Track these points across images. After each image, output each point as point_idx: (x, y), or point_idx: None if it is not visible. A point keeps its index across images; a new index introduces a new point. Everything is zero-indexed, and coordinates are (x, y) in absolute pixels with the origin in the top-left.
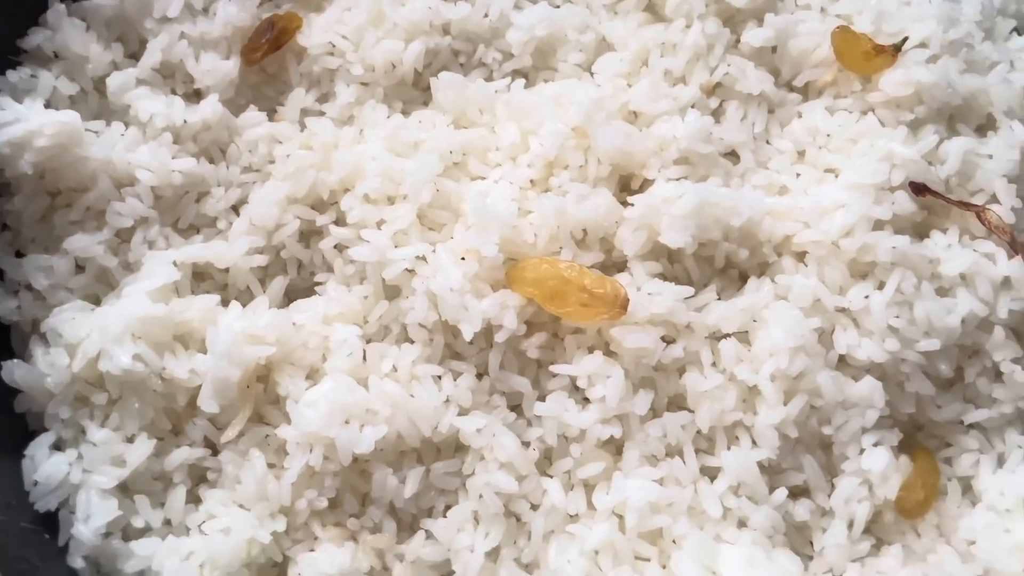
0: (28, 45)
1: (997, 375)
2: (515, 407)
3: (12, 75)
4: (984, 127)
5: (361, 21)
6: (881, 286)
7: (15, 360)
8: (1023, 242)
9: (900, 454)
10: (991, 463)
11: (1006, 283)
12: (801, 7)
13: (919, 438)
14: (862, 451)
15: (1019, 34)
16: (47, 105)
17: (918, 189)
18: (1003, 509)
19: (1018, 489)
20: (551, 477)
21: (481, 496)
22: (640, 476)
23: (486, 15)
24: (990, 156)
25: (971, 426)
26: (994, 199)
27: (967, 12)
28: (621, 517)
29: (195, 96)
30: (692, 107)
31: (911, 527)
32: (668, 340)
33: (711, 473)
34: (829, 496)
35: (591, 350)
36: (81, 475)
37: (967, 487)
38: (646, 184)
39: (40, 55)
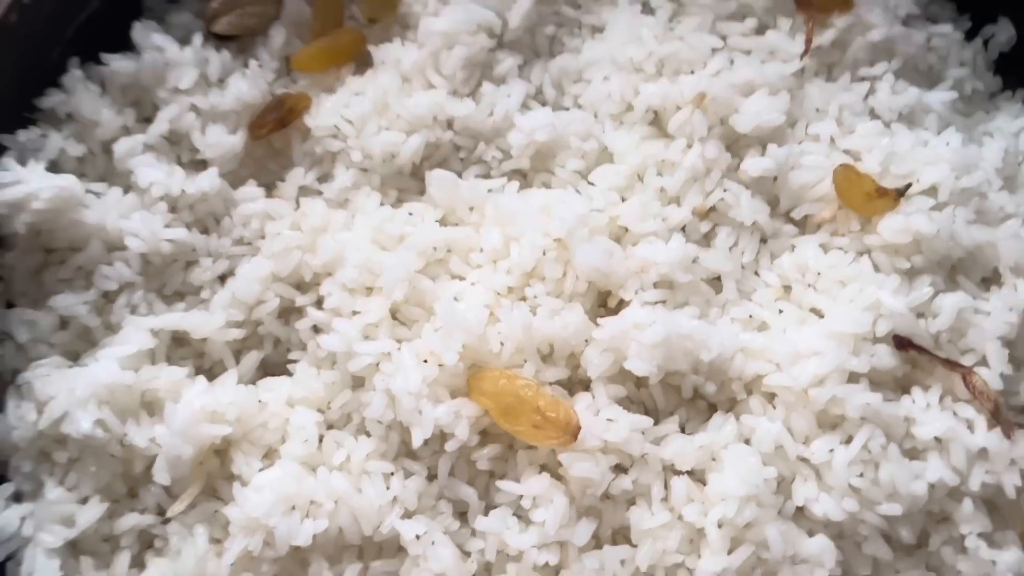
0: (43, 105)
1: (963, 547)
2: (462, 514)
3: (22, 135)
4: (989, 280)
5: (366, 109)
6: (848, 440)
7: None
8: (1008, 416)
9: None
10: None
11: (982, 453)
12: (810, 137)
13: None
14: None
15: None
16: (53, 165)
17: (901, 344)
18: None
19: None
20: None
21: None
22: None
23: (491, 114)
24: (988, 314)
25: None
26: (984, 362)
27: (987, 157)
28: None
29: (199, 165)
30: (682, 230)
31: None
32: (621, 469)
33: None
34: None
35: (542, 468)
36: (32, 531)
37: None
38: (622, 304)
39: (53, 116)
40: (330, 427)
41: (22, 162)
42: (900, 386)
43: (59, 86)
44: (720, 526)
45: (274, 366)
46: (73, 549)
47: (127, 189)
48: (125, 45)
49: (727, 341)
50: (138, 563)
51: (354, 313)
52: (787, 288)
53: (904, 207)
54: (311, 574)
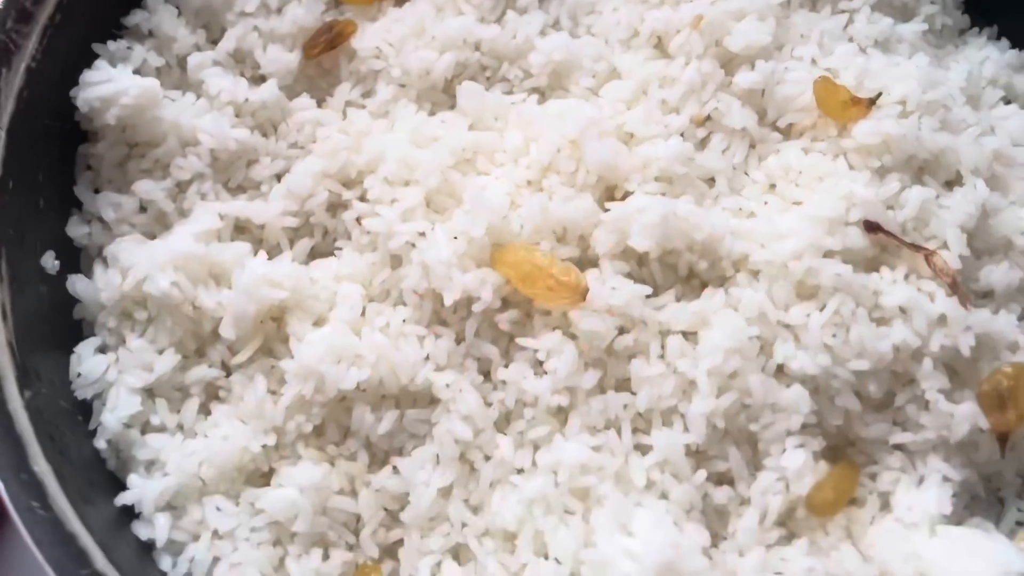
0: (129, 23)
1: (926, 404)
2: (485, 372)
3: (112, 45)
4: (952, 183)
5: (405, 32)
6: (823, 307)
7: (79, 275)
8: (965, 289)
9: (825, 461)
10: (910, 483)
11: (941, 319)
12: (794, 58)
13: (848, 453)
14: (784, 451)
15: (1006, 103)
16: (136, 72)
17: (871, 227)
18: (909, 522)
19: (926, 506)
20: (505, 435)
21: (442, 442)
22: (578, 441)
23: (514, 37)
24: (949, 207)
25: (897, 447)
26: (945, 246)
27: (951, 77)
28: (556, 473)
29: (260, 80)
30: (681, 135)
31: (820, 525)
32: (623, 331)
33: (643, 450)
34: (749, 486)
35: (554, 329)
36: (116, 375)
37: (885, 503)
38: (627, 195)
39: (137, 32)
40: (371, 300)
41: (112, 66)
42: (870, 266)
43: (143, 6)
44: (709, 375)
45: (322, 254)
46: (149, 393)
47: (198, 96)
48: None
49: (718, 223)
50: (204, 410)
51: (393, 201)
52: (772, 185)
53: (875, 114)
54: (354, 417)
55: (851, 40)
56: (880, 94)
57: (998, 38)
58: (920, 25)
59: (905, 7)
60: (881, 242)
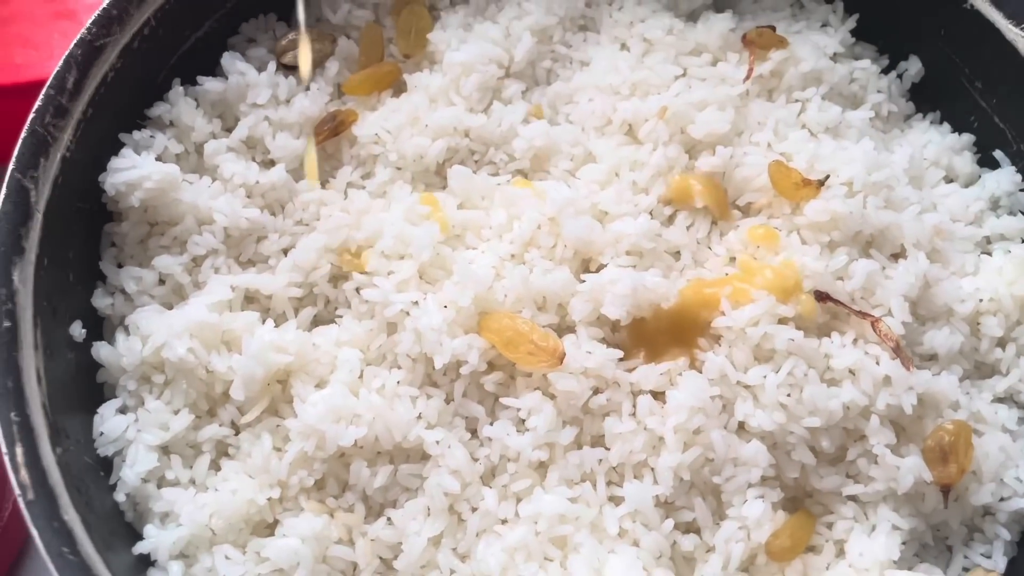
0: (152, 114)
1: (875, 458)
2: (472, 430)
3: (136, 135)
4: (897, 255)
5: (402, 121)
6: (778, 370)
7: (102, 342)
8: (907, 354)
9: (784, 511)
10: (862, 531)
11: (887, 380)
12: (752, 144)
13: (806, 504)
14: (745, 501)
15: (947, 183)
16: (158, 159)
17: (821, 297)
18: (861, 568)
19: (876, 552)
20: (491, 488)
21: (432, 495)
22: (556, 494)
23: (499, 125)
24: (893, 278)
25: (850, 498)
26: (890, 313)
27: (895, 160)
28: (536, 523)
29: (269, 164)
30: (649, 213)
31: (780, 570)
32: (598, 391)
33: (616, 501)
34: (714, 535)
35: (535, 390)
36: (135, 433)
37: (841, 550)
38: (601, 268)
39: (160, 122)
40: (368, 364)
41: (137, 154)
42: (821, 332)
43: (165, 99)
44: (675, 431)
45: (324, 321)
46: (165, 450)
47: (214, 179)
48: (214, 72)
49: (682, 293)
50: (215, 465)
51: (389, 273)
52: (733, 258)
53: (825, 194)
54: (352, 471)
55: (804, 127)
56: (828, 176)
57: (940, 123)
58: (867, 112)
59: (855, 96)
60: (831, 310)
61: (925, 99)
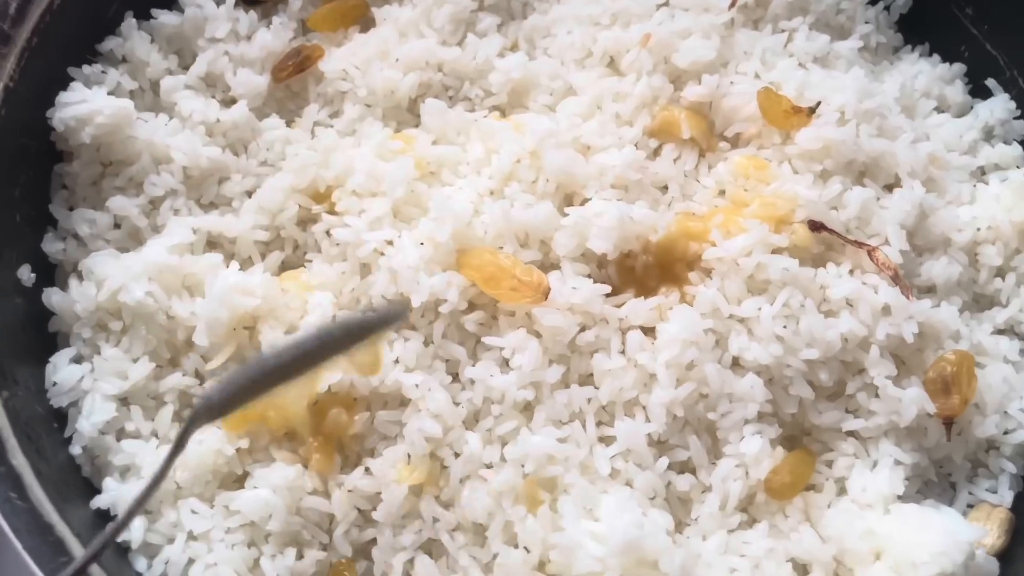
0: (103, 48)
1: (875, 391)
2: (453, 373)
3: (87, 69)
4: (891, 185)
5: (370, 54)
6: (773, 301)
7: (54, 288)
8: (906, 282)
9: (782, 449)
10: (864, 467)
11: (886, 309)
12: (739, 73)
13: (805, 441)
14: (742, 439)
15: (938, 113)
16: (110, 94)
17: (815, 226)
18: (864, 503)
19: (879, 487)
20: (474, 432)
21: (412, 440)
22: (544, 434)
23: (474, 58)
24: (888, 207)
25: (850, 434)
26: (887, 243)
27: (887, 89)
28: (523, 466)
29: (231, 102)
30: (634, 145)
31: (780, 509)
32: (585, 327)
33: (607, 441)
34: (710, 474)
35: (519, 328)
36: (91, 383)
37: (842, 488)
38: (585, 202)
39: (112, 57)
40: (341, 308)
41: (87, 88)
42: (816, 263)
43: (117, 34)
44: (667, 367)
45: (293, 266)
46: (124, 401)
47: (171, 117)
48: (169, 5)
49: (671, 225)
50: (179, 417)
51: (361, 212)
52: (722, 192)
53: (816, 122)
54: (328, 419)
55: (791, 56)
56: (819, 103)
57: (930, 54)
58: (856, 43)
59: (842, 27)
60: (826, 240)
61: (914, 30)
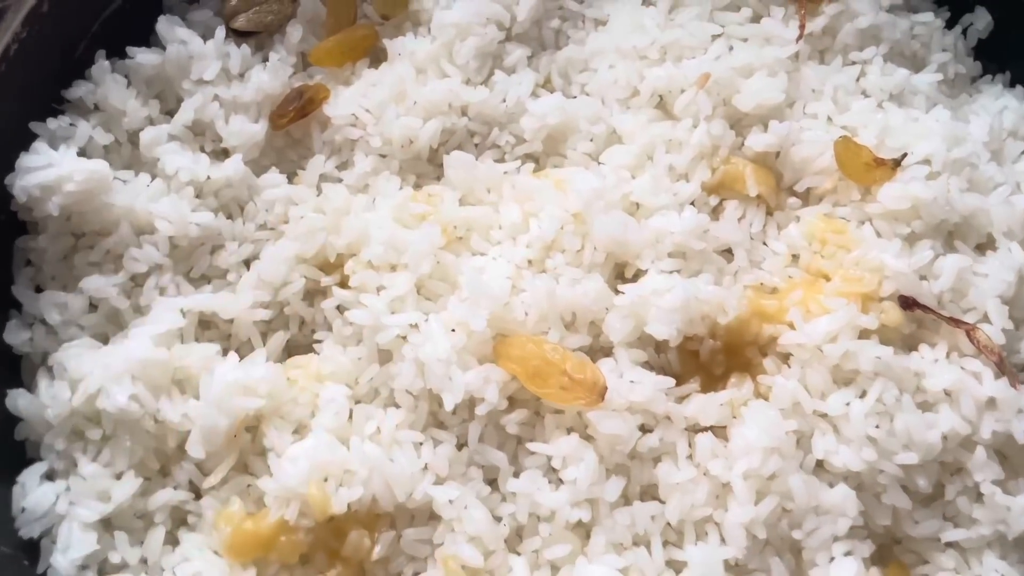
0: (71, 96)
1: (978, 495)
2: (491, 481)
3: (52, 123)
4: (983, 246)
5: (384, 97)
6: (863, 395)
7: (20, 389)
8: (1012, 367)
9: (873, 566)
10: None
11: (991, 403)
12: (808, 116)
13: (896, 552)
14: (832, 559)
15: None
16: (81, 153)
17: (907, 303)
18: None
19: None
20: (519, 555)
21: (447, 567)
22: (604, 563)
23: (503, 100)
24: (986, 275)
25: (949, 545)
26: (986, 319)
27: (974, 132)
28: None
29: (222, 154)
30: (691, 204)
31: None
32: (646, 429)
33: (677, 567)
34: None
35: (569, 431)
36: (67, 507)
37: None
38: (639, 274)
39: (81, 106)
40: (358, 402)
41: (53, 148)
42: (907, 345)
43: (86, 77)
44: (746, 478)
45: (299, 347)
46: (107, 525)
47: (154, 176)
48: (147, 41)
49: (743, 305)
50: (171, 540)
51: (379, 289)
52: (795, 256)
53: (901, 176)
54: (348, 542)
55: (865, 94)
56: (905, 155)
57: (1011, 84)
58: (935, 75)
59: (916, 56)
60: (917, 318)
61: (991, 57)
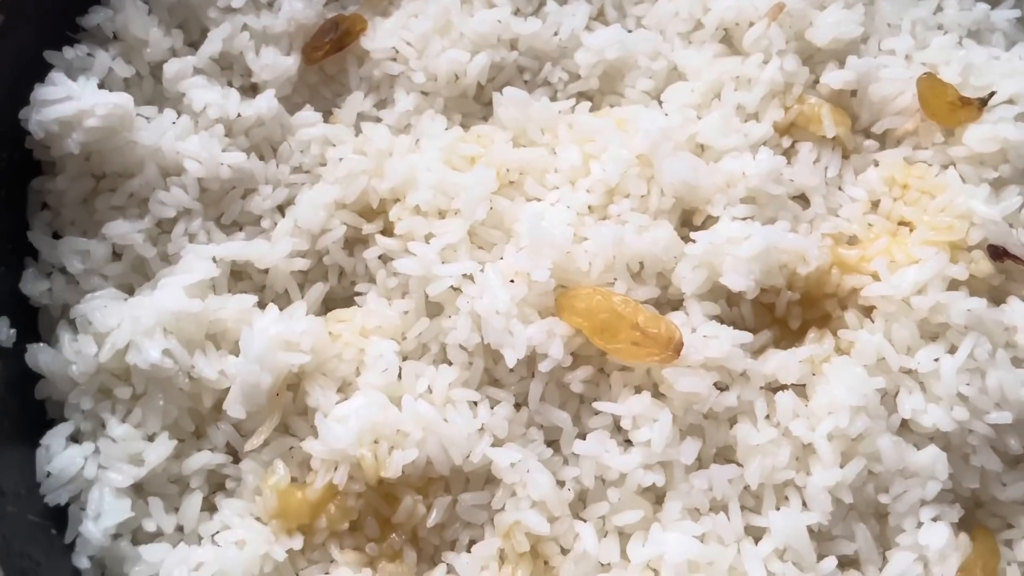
0: (88, 24)
1: None
2: (552, 443)
3: (68, 52)
4: None
5: (427, 28)
6: (953, 350)
7: (41, 344)
8: None
9: (959, 532)
10: None
11: None
12: (885, 52)
13: (979, 516)
14: (919, 525)
15: None
16: (101, 86)
17: (996, 253)
18: None
19: None
20: (585, 521)
21: (509, 534)
22: (680, 530)
23: (556, 33)
24: None
25: None
26: None
27: None
28: (656, 572)
29: (251, 90)
30: (763, 145)
31: None
32: (721, 387)
33: (756, 533)
34: (880, 570)
35: (638, 390)
36: (96, 471)
37: None
38: (709, 221)
39: (99, 34)
40: (405, 358)
41: (71, 79)
42: (994, 297)
43: (103, 3)
44: (830, 439)
45: (338, 300)
46: (139, 491)
47: (180, 113)
48: None
49: (823, 254)
50: (208, 506)
51: (428, 237)
52: (875, 203)
53: (988, 117)
54: (400, 508)
55: (943, 29)
56: (993, 93)
57: None
58: (1014, 12)
59: None
60: (1006, 268)
61: None
